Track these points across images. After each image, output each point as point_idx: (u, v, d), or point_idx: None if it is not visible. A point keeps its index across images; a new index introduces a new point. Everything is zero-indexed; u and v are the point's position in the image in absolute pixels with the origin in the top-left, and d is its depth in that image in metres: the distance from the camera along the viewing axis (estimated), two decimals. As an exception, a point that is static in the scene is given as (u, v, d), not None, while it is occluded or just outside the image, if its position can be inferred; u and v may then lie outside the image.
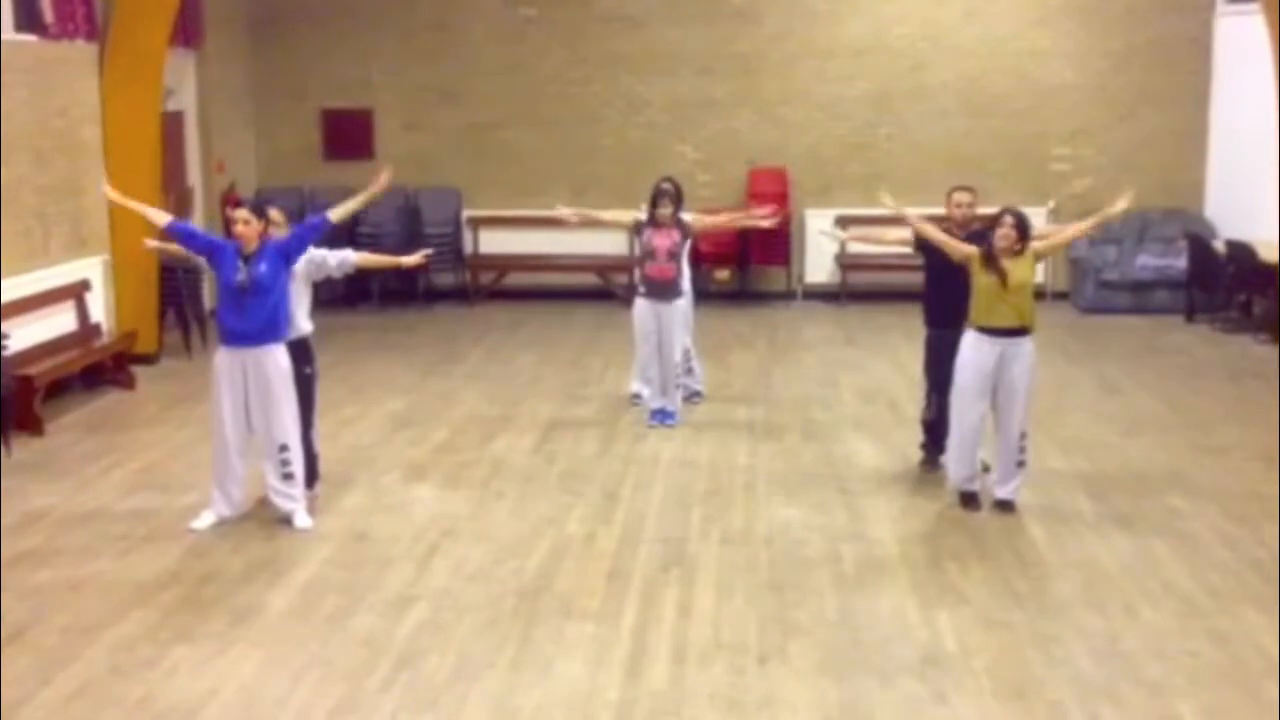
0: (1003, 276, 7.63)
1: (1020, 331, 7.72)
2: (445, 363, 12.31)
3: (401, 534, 7.69)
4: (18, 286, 10.39)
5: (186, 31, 13.54)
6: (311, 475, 8.11)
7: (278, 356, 7.63)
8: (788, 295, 15.47)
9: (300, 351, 7.87)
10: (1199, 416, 10.17)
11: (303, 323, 7.94)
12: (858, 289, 15.10)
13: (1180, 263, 14.15)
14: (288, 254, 7.66)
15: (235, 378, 7.62)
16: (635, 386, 10.47)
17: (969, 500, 8.00)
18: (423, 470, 8.93)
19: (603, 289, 15.08)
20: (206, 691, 5.71)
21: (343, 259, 8.11)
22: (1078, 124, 15.15)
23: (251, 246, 7.58)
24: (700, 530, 7.73)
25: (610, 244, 14.97)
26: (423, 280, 15.26)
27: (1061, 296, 14.84)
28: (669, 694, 5.67)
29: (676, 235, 9.77)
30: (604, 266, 15.18)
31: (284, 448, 7.68)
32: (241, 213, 7.68)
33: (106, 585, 6.92)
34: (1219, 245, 13.76)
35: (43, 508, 8.16)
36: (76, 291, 11.31)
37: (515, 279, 15.63)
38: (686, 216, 10.02)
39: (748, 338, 13.38)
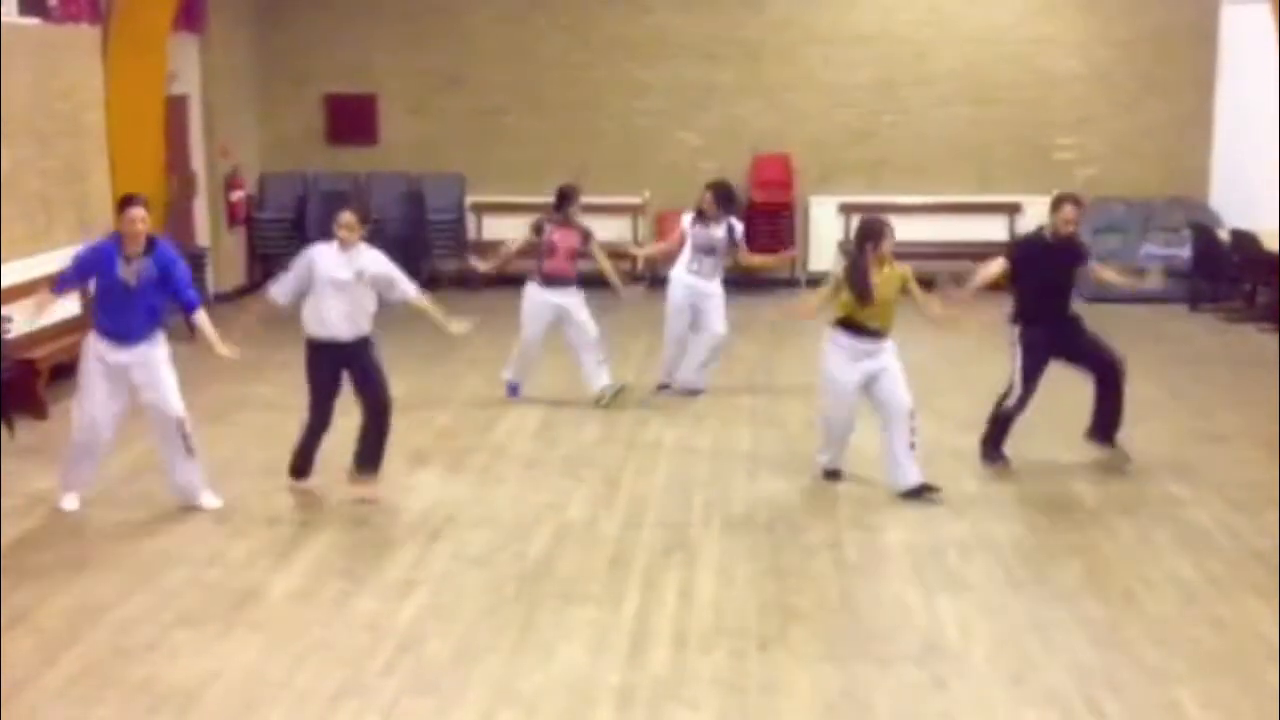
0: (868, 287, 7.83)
1: (882, 335, 8.01)
2: (447, 348, 12.28)
3: (403, 519, 7.71)
4: (21, 270, 10.39)
5: (190, 15, 13.52)
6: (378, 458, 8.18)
7: (159, 344, 7.67)
8: (791, 283, 15.45)
9: (372, 348, 8.04)
10: (1201, 405, 10.17)
11: (365, 324, 8.00)
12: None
13: (1184, 252, 14.12)
14: (170, 272, 7.57)
15: (113, 369, 7.58)
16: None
17: (832, 474, 8.33)
18: (425, 455, 8.94)
19: (604, 275, 15.01)
20: (208, 674, 5.72)
21: (404, 290, 8.12)
22: (1082, 112, 15.12)
23: (139, 245, 7.52)
24: (702, 515, 7.74)
25: (612, 231, 14.93)
26: (426, 266, 15.24)
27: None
28: (670, 678, 5.68)
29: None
30: (606, 253, 15.10)
31: (182, 423, 7.71)
32: (139, 211, 7.55)
33: (108, 568, 6.93)
34: (1223, 234, 13.75)
35: (45, 490, 8.16)
36: (79, 275, 11.29)
37: (518, 265, 15.55)
38: (736, 225, 10.66)
39: (750, 325, 13.36)
